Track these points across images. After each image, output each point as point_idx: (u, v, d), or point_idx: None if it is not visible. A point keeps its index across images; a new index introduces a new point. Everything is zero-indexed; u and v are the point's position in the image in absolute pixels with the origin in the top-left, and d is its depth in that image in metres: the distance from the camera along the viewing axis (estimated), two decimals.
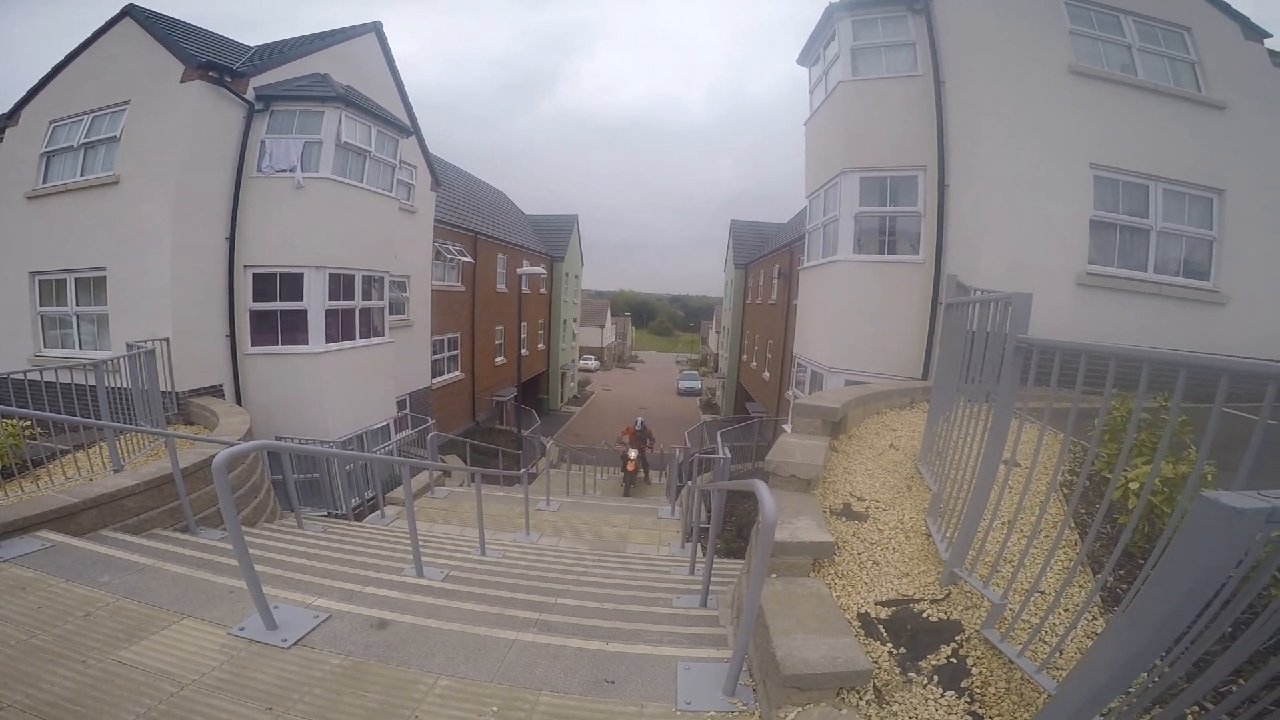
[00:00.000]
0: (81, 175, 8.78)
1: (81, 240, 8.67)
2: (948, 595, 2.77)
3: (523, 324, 25.91)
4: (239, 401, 9.24)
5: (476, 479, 6.96)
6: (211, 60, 8.50)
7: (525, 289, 26.21)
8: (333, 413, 9.98)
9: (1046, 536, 3.07)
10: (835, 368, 9.45)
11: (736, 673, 2.54)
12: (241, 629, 2.95)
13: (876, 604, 2.80)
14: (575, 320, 37.12)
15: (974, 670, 2.31)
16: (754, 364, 28.23)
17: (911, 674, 2.32)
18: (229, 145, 8.89)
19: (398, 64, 13.01)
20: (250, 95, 9.06)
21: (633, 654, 2.90)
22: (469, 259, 19.03)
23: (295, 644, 2.87)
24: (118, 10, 8.99)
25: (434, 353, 17.13)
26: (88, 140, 8.77)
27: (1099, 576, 2.26)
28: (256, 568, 3.89)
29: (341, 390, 10.23)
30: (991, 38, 8.16)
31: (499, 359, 23.66)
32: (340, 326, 10.22)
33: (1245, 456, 1.45)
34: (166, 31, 8.69)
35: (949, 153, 8.47)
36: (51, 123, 9.11)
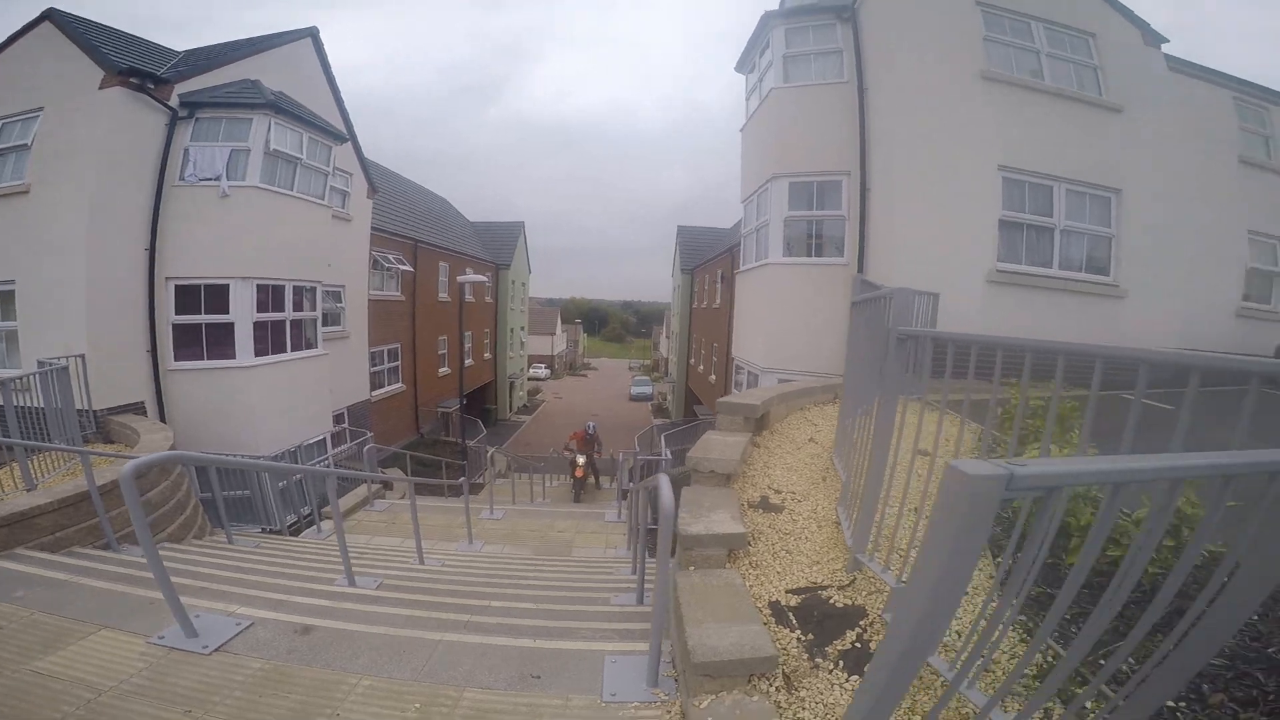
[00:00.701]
0: None
1: None
2: (853, 581, 2.85)
3: (467, 333, 25.72)
4: (162, 419, 8.90)
5: (410, 489, 6.94)
6: (134, 66, 8.25)
7: (469, 297, 25.95)
8: (264, 428, 9.72)
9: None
10: (769, 368, 9.73)
11: (655, 663, 2.58)
12: (161, 638, 2.94)
13: (787, 592, 2.87)
14: (523, 329, 36.84)
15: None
16: (700, 368, 28.67)
17: (818, 659, 2.38)
18: (149, 153, 8.60)
19: (336, 70, 12.81)
20: (174, 102, 8.80)
21: (560, 650, 2.93)
22: (408, 268, 18.73)
23: (216, 650, 2.88)
24: (38, 13, 8.62)
25: (373, 364, 16.80)
26: None
27: (998, 559, 2.43)
28: (181, 580, 3.95)
29: (273, 405, 9.97)
30: (910, 45, 8.55)
31: (443, 369, 23.31)
32: (270, 339, 9.97)
33: (1125, 434, 1.57)
34: (87, 36, 8.37)
35: (870, 157, 8.85)
36: None
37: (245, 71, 10.19)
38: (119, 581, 3.67)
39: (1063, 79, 8.73)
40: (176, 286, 9.00)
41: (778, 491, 4.13)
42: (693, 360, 31.56)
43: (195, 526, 6.73)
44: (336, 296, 13.62)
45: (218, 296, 9.22)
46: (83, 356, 7.37)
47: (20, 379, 5.94)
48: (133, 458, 5.86)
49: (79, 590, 3.46)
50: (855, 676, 2.25)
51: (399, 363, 19.18)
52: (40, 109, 8.25)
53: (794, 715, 2.15)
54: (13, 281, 8.17)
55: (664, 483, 2.50)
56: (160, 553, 5.13)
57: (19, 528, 4.46)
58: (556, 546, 8.44)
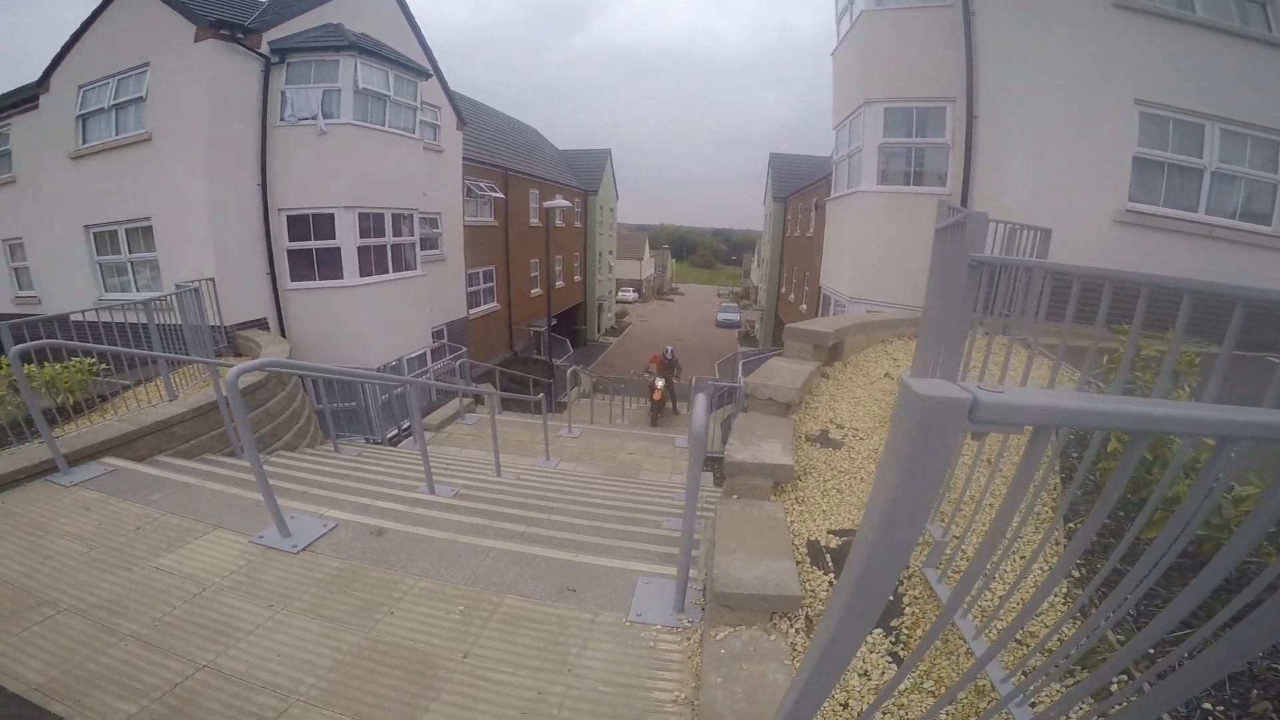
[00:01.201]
0: (116, 134, 9.45)
1: (125, 194, 9.42)
2: None
3: (556, 257, 26.42)
4: (283, 334, 10.09)
5: (493, 404, 7.48)
6: (221, 19, 8.83)
7: (559, 222, 26.45)
8: (369, 342, 10.77)
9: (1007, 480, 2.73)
10: (856, 298, 9.47)
11: (683, 589, 2.60)
12: (261, 537, 3.29)
13: (829, 533, 2.78)
14: (611, 253, 37.20)
15: (907, 610, 2.26)
16: (791, 297, 27.97)
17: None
18: (250, 98, 9.35)
19: (416, 8, 13.07)
20: (264, 50, 9.41)
21: (599, 566, 3.04)
22: (500, 195, 19.33)
23: (303, 549, 3.19)
24: None
25: (470, 285, 17.80)
26: (117, 102, 9.37)
27: (1070, 538, 2.08)
28: (285, 485, 4.48)
29: (377, 321, 10.98)
30: None
31: (535, 290, 24.24)
32: (374, 261, 10.87)
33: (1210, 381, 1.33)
34: None
35: (979, 84, 8.14)
36: (80, 87, 9.70)
37: (327, 16, 10.61)
38: (237, 486, 4.06)
39: (1219, 12, 7.56)
40: (288, 216, 9.96)
41: (840, 426, 3.97)
42: (783, 289, 30.76)
43: (309, 435, 7.63)
44: (433, 223, 14.44)
45: (324, 224, 10.13)
46: (212, 279, 8.38)
47: (161, 299, 6.89)
48: (256, 366, 6.79)
49: (202, 493, 3.89)
50: (879, 630, 2.16)
51: (494, 283, 20.18)
52: (147, 64, 9.08)
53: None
54: (149, 218, 9.38)
55: (700, 402, 2.36)
56: (271, 459, 6.03)
57: (161, 435, 4.98)
58: (626, 468, 8.74)
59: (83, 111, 9.73)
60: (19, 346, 4.04)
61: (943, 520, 2.52)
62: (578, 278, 30.68)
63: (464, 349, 14.55)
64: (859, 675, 2.00)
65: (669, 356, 15.64)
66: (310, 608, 2.71)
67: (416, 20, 13.13)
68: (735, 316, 46.99)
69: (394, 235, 11.33)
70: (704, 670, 2.10)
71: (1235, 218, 7.75)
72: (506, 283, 21.06)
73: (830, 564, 2.57)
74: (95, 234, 9.97)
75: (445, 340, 15.05)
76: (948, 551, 2.31)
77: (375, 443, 9.31)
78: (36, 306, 11.41)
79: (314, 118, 9.62)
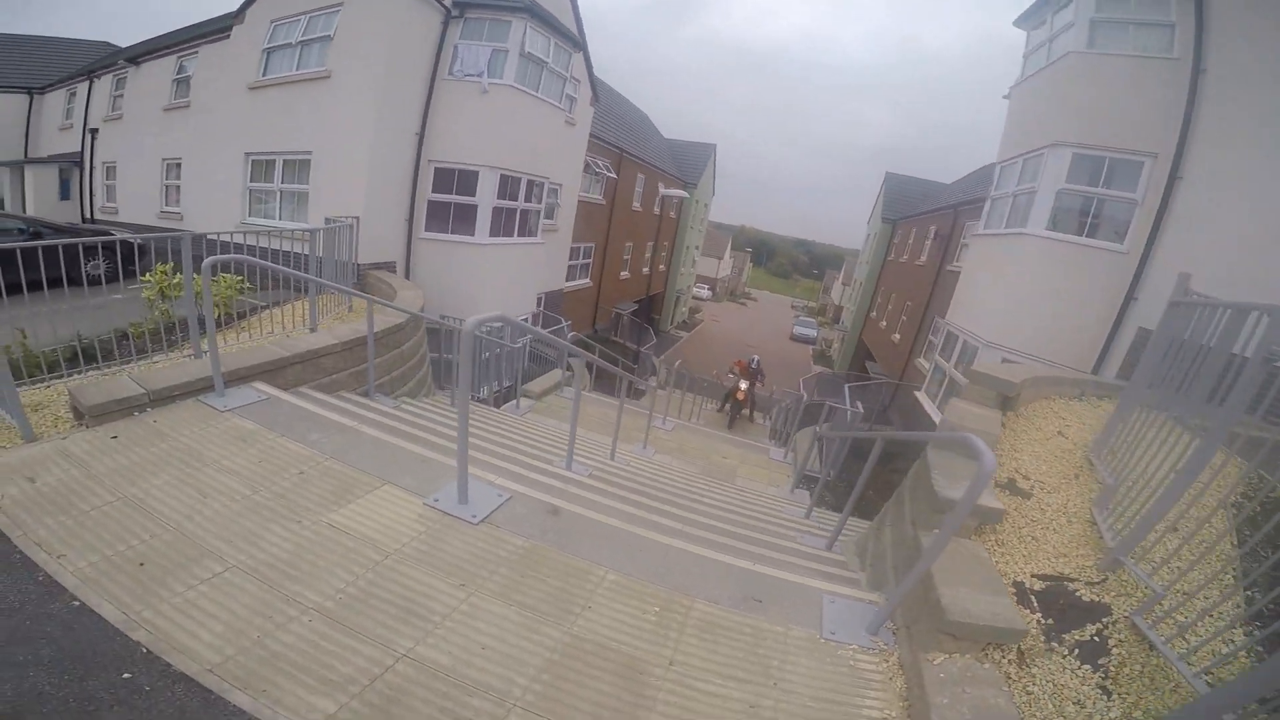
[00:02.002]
0: (297, 70, 9.85)
1: (292, 127, 9.82)
2: (1104, 580, 2.87)
3: (650, 244, 26.38)
4: (408, 278, 10.35)
5: (621, 387, 7.36)
6: None
7: (656, 210, 26.37)
8: (485, 299, 10.97)
9: (1209, 549, 2.82)
10: (994, 343, 9.12)
11: (887, 614, 2.68)
12: (435, 500, 3.13)
13: (1032, 576, 2.93)
14: (698, 248, 36.93)
15: (1113, 650, 2.42)
16: (884, 323, 27.04)
17: (1054, 644, 2.48)
18: (428, 47, 9.59)
19: None
20: (448, 1, 9.59)
21: (778, 578, 3.02)
22: (613, 175, 19.35)
23: (482, 521, 3.03)
24: None
25: (570, 259, 17.91)
26: (304, 38, 9.74)
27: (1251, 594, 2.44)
28: (432, 438, 4.35)
29: (496, 280, 11.22)
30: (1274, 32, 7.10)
31: (624, 273, 24.28)
32: (503, 223, 11.03)
33: None
34: None
35: (1190, 145, 7.65)
36: (273, 21, 10.13)
37: None
38: (391, 434, 3.93)
39: None
40: (436, 168, 10.19)
41: (1025, 477, 4.02)
42: (874, 313, 29.84)
43: (426, 385, 7.66)
44: (554, 193, 14.55)
45: (467, 181, 10.35)
46: (358, 218, 8.59)
47: (325, 230, 6.98)
48: (395, 307, 6.71)
49: (359, 439, 3.71)
50: (1087, 666, 2.35)
51: (590, 260, 20.27)
52: (341, 3, 9.39)
53: (1023, 689, 2.28)
54: (310, 152, 9.74)
55: (980, 443, 2.36)
56: (403, 405, 6.02)
57: (309, 366, 4.85)
58: (721, 471, 8.54)
59: (270, 45, 10.20)
60: (212, 259, 3.91)
61: (1154, 570, 2.72)
62: (662, 267, 30.54)
63: (563, 320, 14.62)
64: (1074, 704, 2.23)
65: (754, 365, 15.56)
66: (503, 591, 2.57)
67: None
68: (813, 332, 45.68)
69: (525, 201, 11.44)
70: (928, 692, 2.19)
71: None
72: (601, 262, 21.13)
73: (1035, 604, 2.73)
74: (254, 161, 10.46)
75: (542, 308, 15.22)
76: (1164, 604, 2.51)
77: (479, 400, 9.39)
78: (179, 222, 12.11)
79: (480, 75, 9.77)
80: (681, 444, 9.71)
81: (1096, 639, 2.49)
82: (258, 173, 10.52)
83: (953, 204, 20.00)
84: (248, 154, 10.45)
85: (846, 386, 12.19)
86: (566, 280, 18.01)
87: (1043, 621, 2.62)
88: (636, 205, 23.35)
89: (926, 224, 23.55)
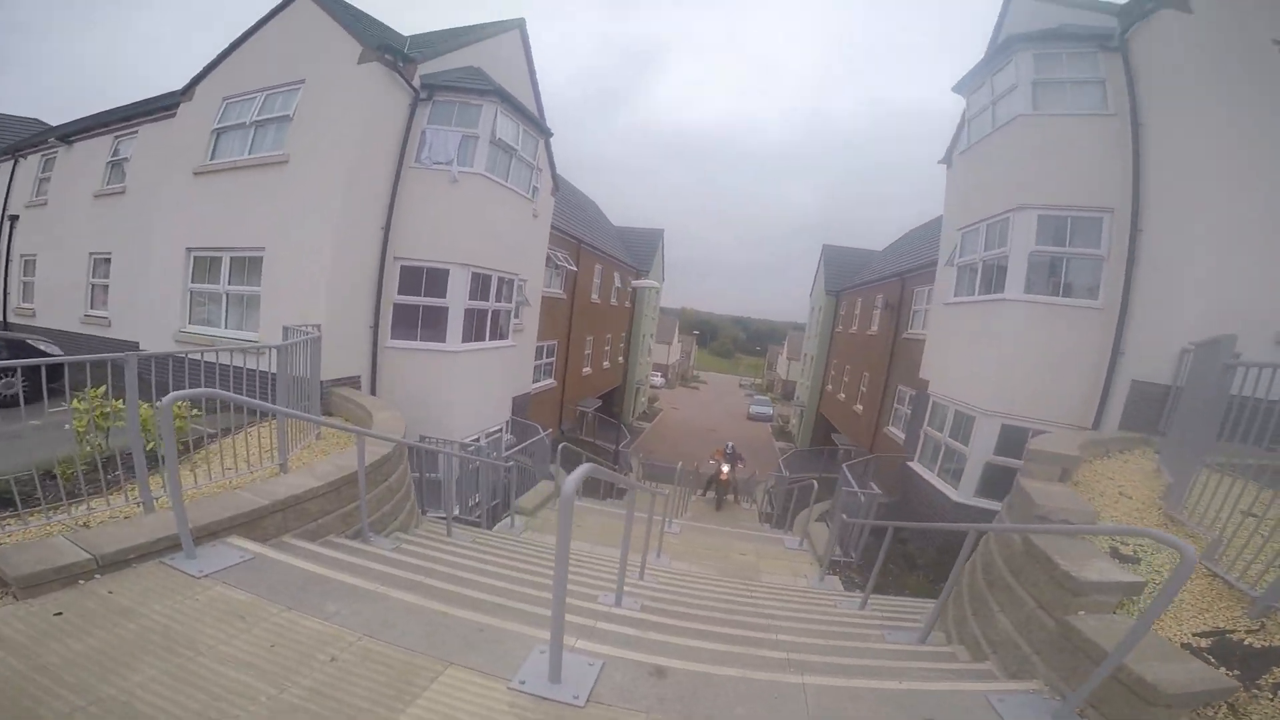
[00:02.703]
0: (250, 153, 8.84)
1: (243, 219, 8.69)
2: (1262, 626, 3.04)
3: (606, 336, 25.79)
4: (373, 394, 9.05)
5: (638, 500, 6.59)
6: (388, 43, 8.40)
7: (614, 300, 26.01)
8: (460, 413, 9.72)
9: None
10: (992, 411, 8.90)
11: (1077, 702, 2.58)
12: (522, 682, 2.50)
13: (1192, 635, 3.04)
14: (651, 336, 36.73)
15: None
16: (841, 395, 27.02)
17: (1254, 691, 2.60)
18: (395, 132, 8.81)
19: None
20: (416, 83, 8.95)
21: (929, 691, 2.85)
22: (573, 267, 18.81)
23: (589, 701, 2.46)
24: None
25: (535, 358, 16.91)
26: (260, 118, 8.83)
27: None
28: (469, 593, 3.62)
29: (470, 391, 9.98)
30: (1203, 82, 7.52)
31: (586, 369, 23.38)
32: (474, 326, 9.97)
33: None
34: (342, 11, 8.68)
35: (1145, 197, 7.90)
36: (225, 99, 9.23)
37: (464, 59, 10.36)
38: (423, 594, 3.25)
39: None
40: (403, 267, 9.15)
41: (1124, 543, 4.04)
42: (829, 386, 29.92)
43: (415, 513, 6.55)
44: (522, 291, 13.69)
45: (436, 280, 9.31)
46: (319, 326, 7.45)
47: (285, 346, 5.86)
48: (384, 437, 5.72)
49: (388, 606, 3.01)
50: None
51: (554, 359, 19.28)
52: (301, 81, 8.61)
53: None
54: (263, 248, 8.56)
55: (1179, 540, 2.33)
56: (406, 545, 4.94)
57: (291, 513, 4.20)
58: (743, 569, 8.20)
59: (221, 125, 9.23)
60: (176, 395, 3.13)
61: None
62: (621, 359, 29.91)
63: (541, 430, 13.50)
64: None
65: (730, 450, 16.42)
66: None
67: (537, 77, 12.93)
68: (768, 410, 46.55)
69: (497, 300, 10.50)
70: None
71: None
72: (565, 359, 20.20)
73: (1213, 660, 2.83)
74: (197, 258, 9.19)
75: (511, 415, 14.06)
76: None
77: (461, 520, 8.18)
78: (106, 329, 10.55)
79: (449, 163, 9.01)
80: (692, 546, 9.12)
81: None
82: (201, 272, 9.20)
83: (899, 271, 20.45)
84: (190, 249, 9.18)
85: (845, 466, 11.64)
86: (533, 382, 16.90)
87: (1229, 673, 2.71)
88: (595, 297, 22.87)
89: (872, 293, 24.07)
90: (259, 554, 3.40)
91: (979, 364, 9.40)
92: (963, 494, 9.06)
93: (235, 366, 5.76)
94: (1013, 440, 8.72)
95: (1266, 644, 2.90)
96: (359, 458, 4.73)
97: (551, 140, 14.11)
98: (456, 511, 6.70)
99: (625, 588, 4.60)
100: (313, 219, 8.19)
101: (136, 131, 10.79)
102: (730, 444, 17.11)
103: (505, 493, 9.42)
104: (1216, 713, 2.48)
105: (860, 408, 23.51)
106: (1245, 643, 2.93)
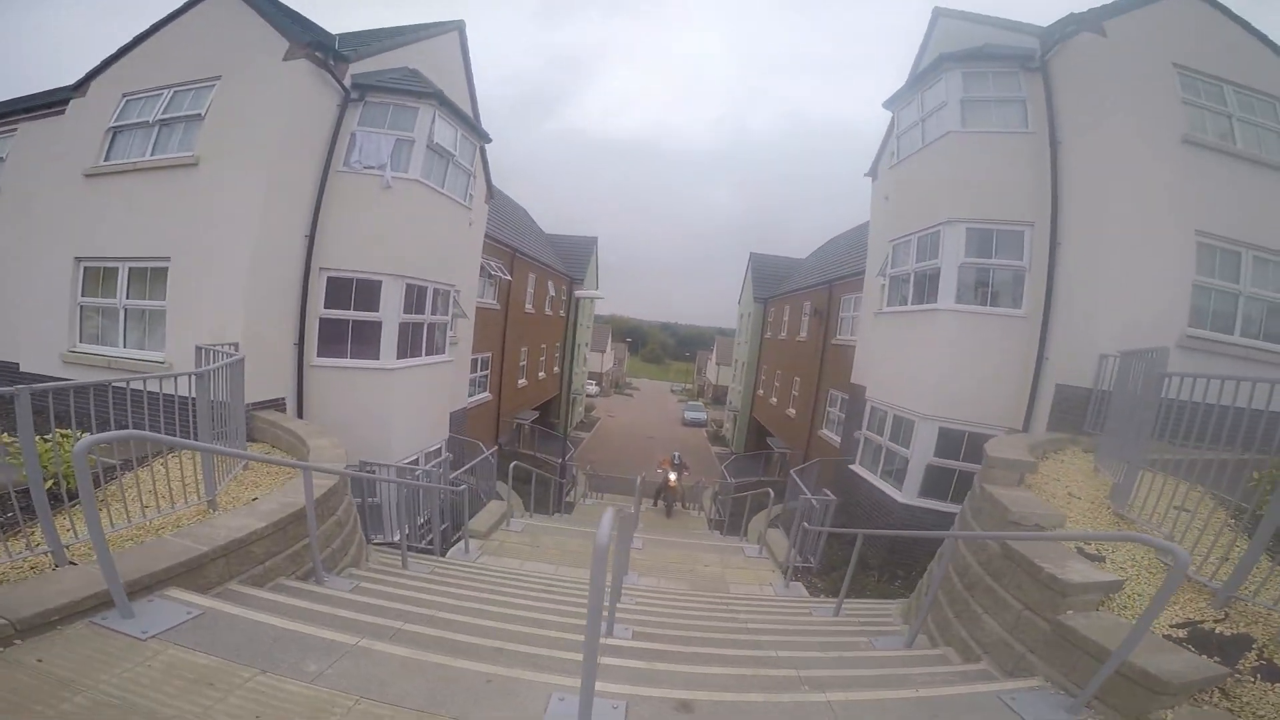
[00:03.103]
0: (153, 154, 7.91)
1: (144, 226, 7.76)
2: (1226, 615, 3.29)
3: (541, 346, 25.25)
4: (301, 417, 8.32)
5: (618, 520, 6.31)
6: (318, 39, 7.77)
7: (548, 310, 25.52)
8: (398, 434, 9.09)
9: None
10: (930, 415, 9.19)
11: (1088, 696, 2.74)
12: None
13: (1170, 627, 3.23)
14: (587, 344, 36.35)
15: None
16: (774, 400, 27.62)
17: (1237, 674, 2.83)
18: (322, 134, 8.14)
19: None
20: (348, 82, 8.34)
21: (941, 697, 2.94)
22: (508, 276, 18.27)
23: None
24: None
25: (470, 371, 16.26)
26: (165, 117, 7.94)
27: None
28: (460, 637, 3.34)
29: (407, 410, 9.37)
30: (1108, 102, 8.07)
31: (521, 381, 22.76)
32: (410, 342, 9.38)
33: None
34: (268, 6, 7.96)
35: (1062, 212, 8.35)
36: (125, 95, 8.25)
37: (400, 60, 9.78)
38: (411, 645, 2.93)
39: (1252, 143, 8.20)
40: (330, 279, 8.47)
41: (1085, 543, 4.13)
42: (761, 391, 30.53)
43: (363, 546, 6.00)
44: (458, 302, 13.09)
45: (368, 293, 8.65)
46: (236, 345, 6.75)
47: (208, 371, 5.20)
48: (328, 469, 5.18)
49: (379, 662, 2.69)
50: (1277, 683, 2.75)
51: (489, 372, 18.63)
52: (217, 78, 7.81)
53: (1253, 713, 2.62)
54: (168, 258, 7.67)
55: (1175, 546, 2.65)
56: (364, 584, 4.52)
57: (235, 558, 3.76)
58: (712, 582, 8.19)
59: (119, 123, 8.20)
60: (91, 440, 2.71)
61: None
62: (556, 369, 29.39)
63: (482, 443, 12.95)
64: None
65: (677, 460, 16.91)
66: None
67: (474, 82, 12.42)
68: (702, 415, 47.25)
69: (432, 313, 9.94)
70: None
71: (1259, 338, 8.02)
72: (500, 372, 19.56)
73: (1193, 649, 3.03)
74: (88, 269, 8.12)
75: (450, 434, 13.43)
76: None
77: (422, 550, 7.74)
78: None
79: (381, 167, 8.42)
80: (657, 560, 8.96)
81: (1263, 660, 2.90)
82: (93, 284, 8.12)
83: (826, 280, 21.08)
84: (79, 259, 8.09)
85: (793, 472, 11.84)
86: (469, 396, 16.24)
87: (1210, 660, 2.92)
88: (529, 307, 22.32)
89: (800, 300, 24.75)
90: (209, 608, 3.00)
91: (915, 370, 9.67)
92: (907, 495, 9.29)
93: (144, 391, 5.03)
94: (951, 442, 9.07)
95: (1234, 631, 3.13)
96: (306, 494, 4.29)
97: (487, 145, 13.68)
98: (403, 534, 6.17)
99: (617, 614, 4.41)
100: (227, 226, 7.41)
101: (16, 128, 9.51)
102: (677, 453, 17.52)
103: (454, 515, 8.93)
104: (1211, 697, 2.70)
105: (793, 411, 24.06)
106: (1216, 631, 3.15)
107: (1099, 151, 8.00)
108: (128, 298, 7.96)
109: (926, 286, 9.64)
